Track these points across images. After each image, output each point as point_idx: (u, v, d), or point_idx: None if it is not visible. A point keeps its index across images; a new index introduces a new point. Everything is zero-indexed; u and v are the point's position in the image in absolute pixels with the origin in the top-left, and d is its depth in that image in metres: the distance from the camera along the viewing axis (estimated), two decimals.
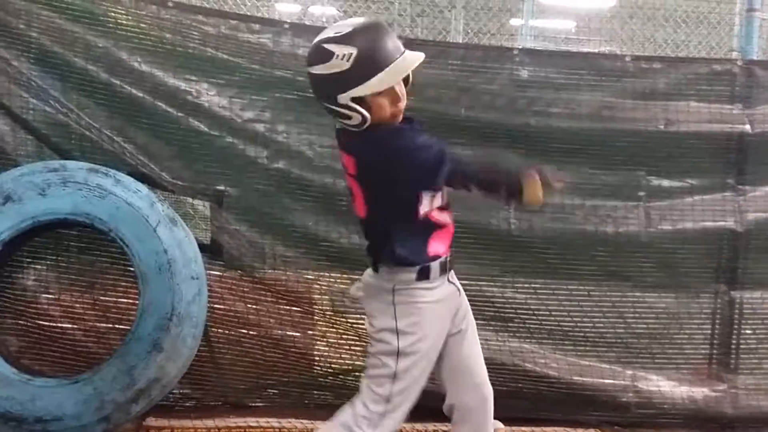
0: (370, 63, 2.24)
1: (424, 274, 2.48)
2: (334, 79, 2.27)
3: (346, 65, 2.24)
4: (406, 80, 2.40)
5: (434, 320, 2.52)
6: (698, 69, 4.10)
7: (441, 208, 2.51)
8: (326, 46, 2.27)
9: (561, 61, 4.10)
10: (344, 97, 2.27)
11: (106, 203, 3.39)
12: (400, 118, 2.41)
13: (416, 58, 2.33)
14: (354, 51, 2.23)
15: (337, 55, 2.24)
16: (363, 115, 2.30)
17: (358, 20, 2.37)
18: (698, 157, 4.04)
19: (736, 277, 4.04)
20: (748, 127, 4.01)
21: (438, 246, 2.52)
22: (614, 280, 4.01)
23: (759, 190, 4.04)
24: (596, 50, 4.86)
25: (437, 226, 2.51)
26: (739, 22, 4.40)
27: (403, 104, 2.37)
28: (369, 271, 2.59)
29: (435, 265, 2.50)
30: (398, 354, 2.47)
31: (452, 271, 2.60)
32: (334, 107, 2.32)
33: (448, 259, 2.55)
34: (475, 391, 2.64)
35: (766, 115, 4.02)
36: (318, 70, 2.30)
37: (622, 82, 4.01)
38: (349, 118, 2.31)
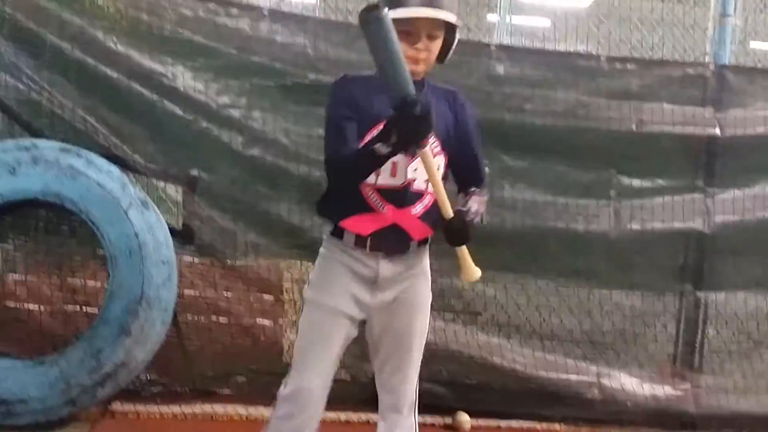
0: None
1: (338, 234, 2.45)
2: None
3: None
4: (445, 48, 2.44)
5: (340, 286, 2.46)
6: (671, 72, 4.17)
7: (384, 189, 2.38)
8: None
9: (537, 59, 4.13)
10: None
11: (77, 184, 3.35)
12: (417, 73, 2.39)
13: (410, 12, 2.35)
14: None
15: None
16: None
17: None
18: (669, 159, 4.10)
19: (701, 277, 4.12)
20: (718, 130, 4.08)
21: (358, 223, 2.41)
22: (582, 278, 4.06)
23: (727, 193, 4.11)
24: (572, 49, 4.88)
25: (353, 206, 2.40)
26: (712, 26, 4.46)
27: (413, 55, 2.36)
28: None
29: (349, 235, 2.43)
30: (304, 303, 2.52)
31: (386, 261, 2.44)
32: None
33: (371, 238, 2.41)
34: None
35: (737, 118, 4.10)
36: None
37: (597, 81, 4.06)
38: None
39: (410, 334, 2.52)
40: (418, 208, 2.44)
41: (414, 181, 2.40)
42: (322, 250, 2.51)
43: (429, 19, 2.35)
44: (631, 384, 4.08)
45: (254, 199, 3.84)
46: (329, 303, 2.46)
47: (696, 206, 4.08)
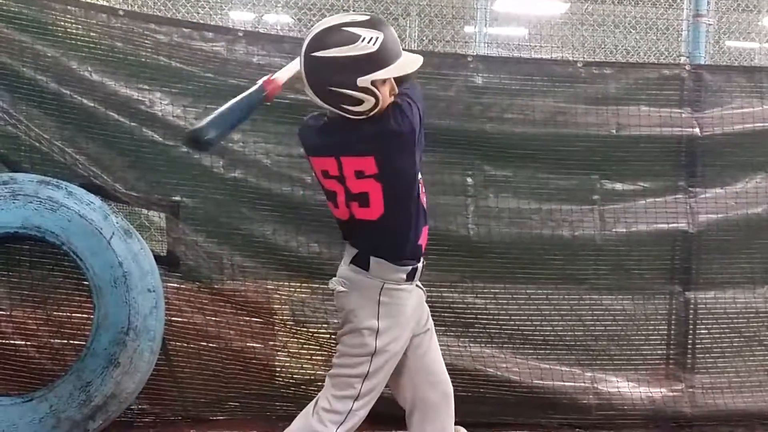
0: (392, 48, 2.30)
1: (411, 276, 2.51)
2: (357, 62, 2.28)
3: (373, 48, 2.27)
4: None
5: (409, 322, 2.55)
6: (648, 74, 4.18)
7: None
8: (350, 29, 2.29)
9: (514, 68, 4.14)
10: (365, 80, 2.27)
11: (58, 216, 3.33)
12: None
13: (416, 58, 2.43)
14: (381, 35, 2.28)
15: (364, 38, 2.27)
16: (377, 99, 2.30)
17: (365, 13, 2.47)
18: (650, 161, 4.11)
19: (690, 277, 4.12)
20: (697, 130, 4.10)
21: (422, 243, 2.52)
22: (571, 283, 4.06)
23: (709, 192, 4.12)
24: (548, 57, 4.90)
25: (423, 220, 2.51)
26: (686, 27, 4.50)
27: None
28: (350, 266, 2.50)
29: (419, 266, 2.53)
30: (374, 354, 2.48)
31: None
32: (347, 91, 2.29)
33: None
34: (437, 388, 2.63)
35: (715, 118, 4.11)
36: (340, 52, 2.29)
37: (575, 87, 4.07)
38: (361, 103, 2.30)
39: None
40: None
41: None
42: (390, 299, 2.51)
43: None
44: (626, 387, 4.07)
45: (238, 221, 3.82)
46: (399, 353, 2.59)
47: (679, 207, 4.09)
